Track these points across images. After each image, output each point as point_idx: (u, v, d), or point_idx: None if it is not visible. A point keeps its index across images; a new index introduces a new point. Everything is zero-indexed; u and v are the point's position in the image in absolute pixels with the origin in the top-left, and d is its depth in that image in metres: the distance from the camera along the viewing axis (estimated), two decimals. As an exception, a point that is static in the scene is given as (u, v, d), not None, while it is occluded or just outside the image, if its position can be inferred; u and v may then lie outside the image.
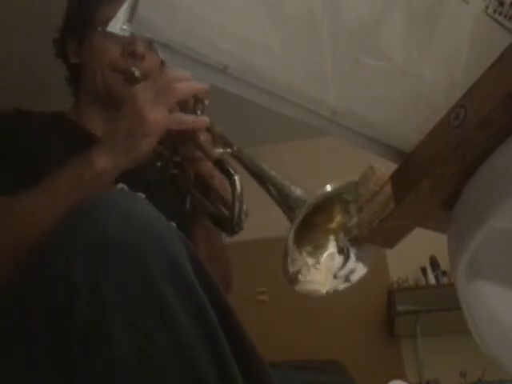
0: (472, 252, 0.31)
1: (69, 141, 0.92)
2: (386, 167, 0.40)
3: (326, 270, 0.62)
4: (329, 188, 0.59)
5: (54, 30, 1.05)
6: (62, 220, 0.56)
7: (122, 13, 0.29)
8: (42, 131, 0.90)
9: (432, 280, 2.94)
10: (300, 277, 0.60)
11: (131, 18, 0.29)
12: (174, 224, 0.92)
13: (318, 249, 0.63)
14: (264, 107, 0.34)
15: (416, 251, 2.49)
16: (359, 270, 0.61)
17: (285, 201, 0.63)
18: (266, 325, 2.84)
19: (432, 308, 2.71)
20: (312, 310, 3.05)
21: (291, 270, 0.60)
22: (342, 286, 0.61)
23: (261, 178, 0.69)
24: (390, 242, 0.40)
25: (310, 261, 0.62)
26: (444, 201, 0.35)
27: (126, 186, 0.89)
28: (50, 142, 0.88)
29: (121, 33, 0.30)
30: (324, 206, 0.61)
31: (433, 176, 0.33)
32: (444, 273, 2.93)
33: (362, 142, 0.37)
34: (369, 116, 0.36)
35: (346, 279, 0.61)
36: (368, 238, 0.40)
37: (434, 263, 2.98)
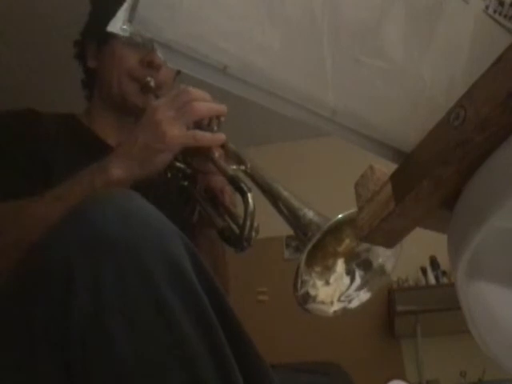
0: (472, 252, 0.31)
1: (80, 145, 0.92)
2: (386, 167, 0.40)
3: (334, 291, 0.63)
4: (342, 215, 0.60)
5: (54, 30, 1.05)
6: (61, 220, 0.56)
7: (121, 13, 0.29)
8: (54, 133, 0.91)
9: (432, 280, 2.94)
10: (309, 297, 0.61)
11: (131, 18, 0.29)
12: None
13: (327, 270, 0.64)
14: (264, 107, 0.34)
15: (416, 251, 2.49)
16: (362, 296, 0.62)
17: (296, 222, 0.64)
18: (266, 325, 2.84)
19: (432, 308, 2.72)
20: (312, 309, 3.05)
21: (301, 290, 0.60)
22: (348, 308, 0.62)
23: (273, 197, 0.70)
24: (390, 242, 0.40)
25: (319, 282, 0.62)
26: (444, 201, 0.35)
27: None
28: (61, 144, 0.89)
29: (120, 33, 0.29)
30: (334, 229, 0.62)
31: (433, 176, 0.33)
32: (444, 273, 2.93)
33: (362, 142, 0.37)
34: (369, 116, 0.36)
35: (350, 302, 0.62)
36: (368, 238, 0.40)
37: (434, 263, 2.98)
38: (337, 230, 0.62)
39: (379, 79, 0.35)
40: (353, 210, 0.58)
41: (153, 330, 0.50)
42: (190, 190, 0.89)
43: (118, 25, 0.29)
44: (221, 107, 0.80)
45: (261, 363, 0.58)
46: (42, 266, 0.54)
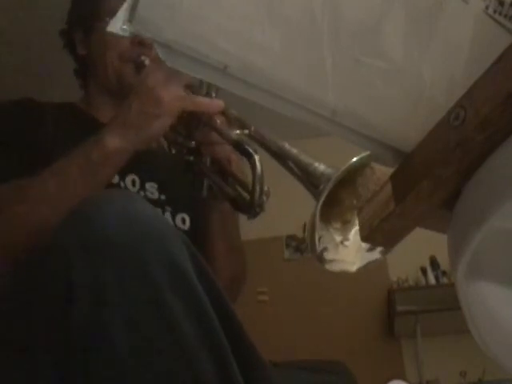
0: (472, 252, 0.31)
1: (81, 130, 0.91)
2: (385, 167, 0.40)
3: (354, 246, 0.60)
4: (352, 161, 0.57)
5: (54, 30, 1.05)
6: (62, 221, 0.56)
7: (122, 12, 0.29)
8: (54, 121, 0.90)
9: (432, 280, 2.94)
10: (326, 255, 0.59)
11: (131, 17, 0.29)
12: (187, 215, 0.92)
13: (346, 225, 0.61)
14: (264, 107, 0.34)
15: (416, 251, 2.48)
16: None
17: (308, 178, 0.61)
18: (266, 325, 2.84)
19: (432, 308, 2.72)
20: (312, 309, 3.05)
21: (318, 248, 0.58)
22: (370, 261, 0.59)
23: (282, 157, 0.67)
24: (390, 242, 0.41)
25: (338, 237, 0.60)
26: (444, 201, 0.35)
27: (136, 177, 0.89)
28: (62, 131, 0.88)
29: (121, 33, 0.29)
30: (347, 181, 0.59)
31: (433, 176, 0.33)
32: (444, 273, 2.93)
33: (362, 142, 0.37)
34: (369, 116, 0.36)
35: (371, 254, 0.59)
36: (368, 238, 0.40)
37: (434, 263, 2.98)
38: (351, 181, 0.60)
39: (379, 79, 0.35)
40: (363, 154, 0.56)
41: (153, 330, 0.50)
42: (196, 164, 0.86)
43: (118, 25, 0.29)
44: None
45: (261, 364, 0.58)
46: (43, 267, 0.54)
